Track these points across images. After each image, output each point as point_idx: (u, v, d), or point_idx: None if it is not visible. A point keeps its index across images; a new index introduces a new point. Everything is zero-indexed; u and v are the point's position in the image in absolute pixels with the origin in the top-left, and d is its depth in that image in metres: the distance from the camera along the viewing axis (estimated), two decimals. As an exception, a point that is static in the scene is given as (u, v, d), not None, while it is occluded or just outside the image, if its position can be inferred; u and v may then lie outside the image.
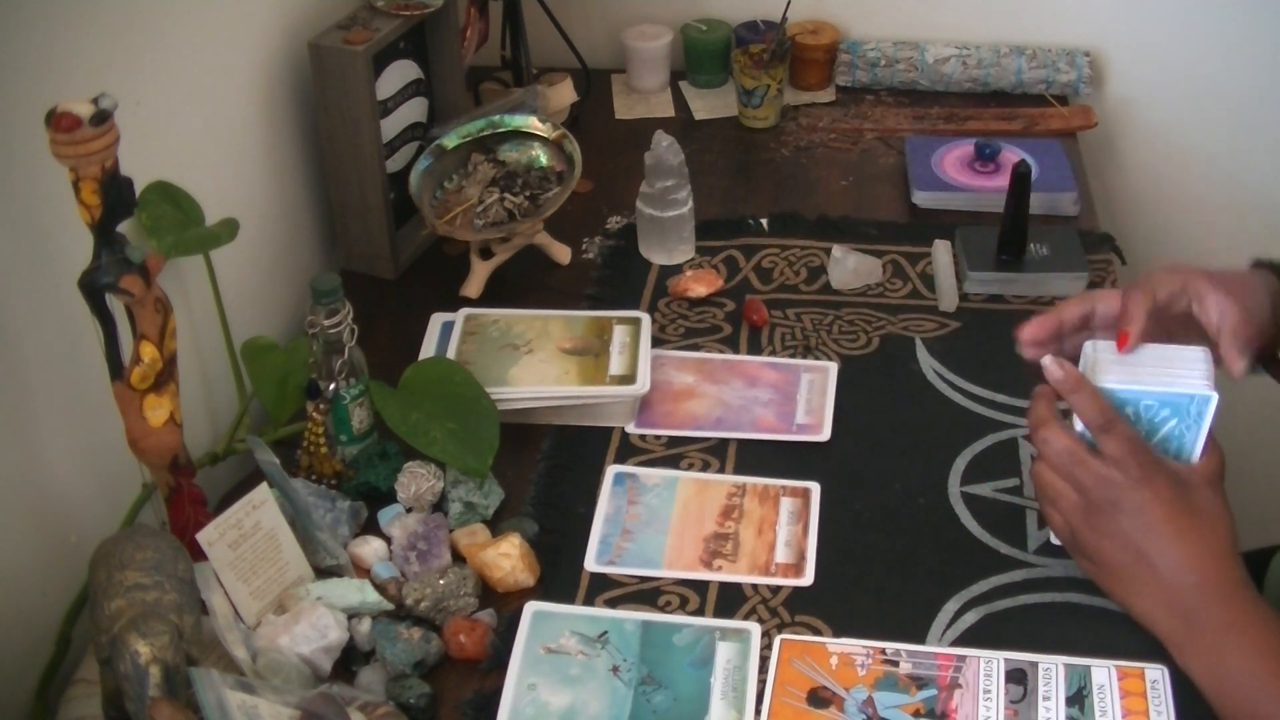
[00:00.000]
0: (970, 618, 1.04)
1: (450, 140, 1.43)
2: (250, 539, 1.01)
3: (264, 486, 1.03)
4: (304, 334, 1.16)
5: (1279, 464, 1.91)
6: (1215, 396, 0.97)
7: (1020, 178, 1.35)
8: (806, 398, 1.25)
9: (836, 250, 1.43)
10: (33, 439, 1.01)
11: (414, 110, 1.48)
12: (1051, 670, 0.98)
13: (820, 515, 1.13)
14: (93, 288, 0.92)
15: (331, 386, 1.14)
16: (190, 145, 1.21)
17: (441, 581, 1.05)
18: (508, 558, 1.07)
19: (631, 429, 1.23)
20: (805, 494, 1.15)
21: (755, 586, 1.08)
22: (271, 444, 1.13)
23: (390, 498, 1.15)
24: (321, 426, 1.14)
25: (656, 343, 1.32)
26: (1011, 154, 1.56)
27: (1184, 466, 0.99)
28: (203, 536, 0.98)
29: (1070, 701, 0.95)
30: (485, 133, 1.44)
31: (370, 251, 1.45)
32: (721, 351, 1.32)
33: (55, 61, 1.00)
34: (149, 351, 0.96)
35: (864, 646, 1.01)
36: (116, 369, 0.96)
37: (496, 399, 1.19)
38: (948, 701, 0.96)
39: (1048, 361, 1.00)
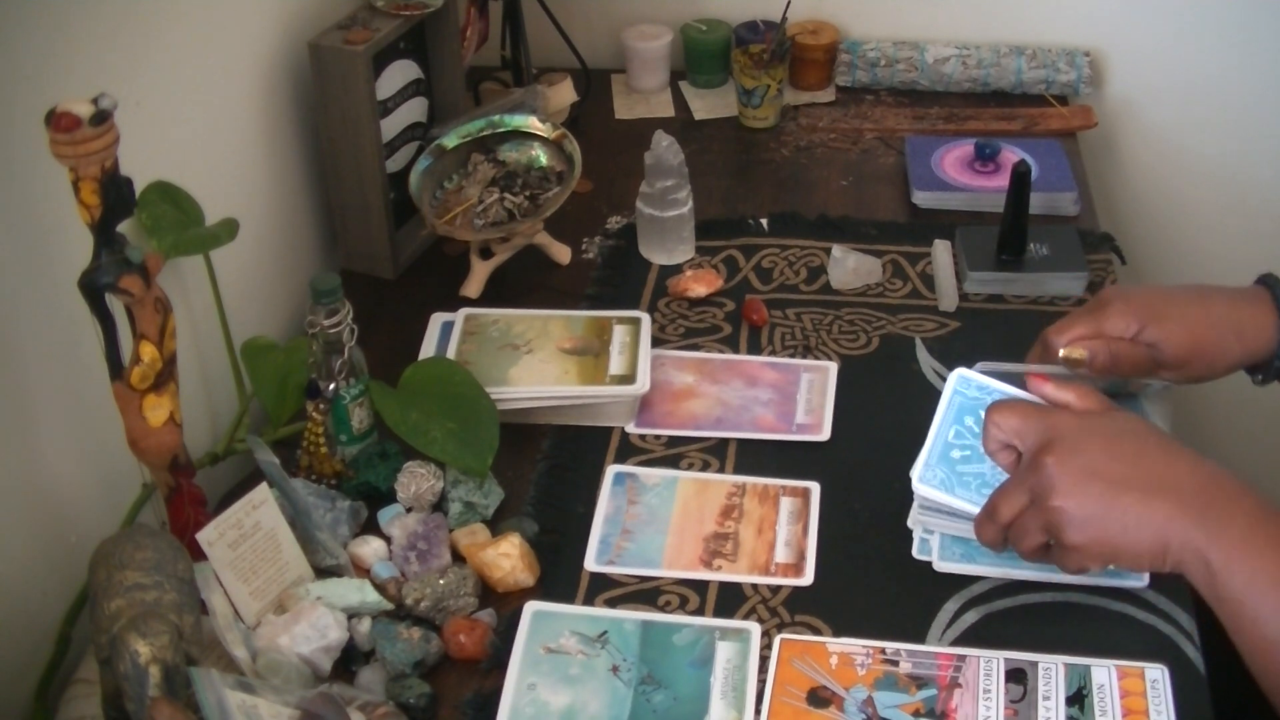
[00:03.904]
0: (970, 617, 1.04)
1: (450, 140, 1.43)
2: (250, 539, 1.01)
3: (264, 486, 1.03)
4: (304, 334, 1.16)
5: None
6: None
7: (1020, 178, 1.35)
8: (806, 398, 1.25)
9: (836, 250, 1.43)
10: (33, 439, 1.01)
11: (414, 110, 1.48)
12: (1051, 670, 0.98)
13: (820, 515, 1.13)
14: (93, 288, 0.92)
15: (331, 386, 1.14)
16: (190, 145, 1.21)
17: (441, 581, 1.05)
18: (508, 558, 1.07)
19: (631, 429, 1.23)
20: (805, 494, 1.15)
21: (755, 586, 1.08)
22: (271, 444, 1.13)
23: (390, 498, 1.15)
24: (321, 426, 1.14)
25: (656, 343, 1.32)
26: (1011, 154, 1.56)
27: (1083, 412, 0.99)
28: (203, 536, 0.98)
29: (1070, 701, 0.95)
30: (485, 133, 1.44)
31: (370, 251, 1.45)
32: (721, 351, 1.32)
33: (55, 61, 1.00)
34: (149, 351, 0.96)
35: (864, 646, 1.01)
36: (116, 369, 0.96)
37: (496, 399, 1.19)
38: (948, 701, 0.96)
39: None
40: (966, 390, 1.07)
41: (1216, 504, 0.91)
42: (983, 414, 1.03)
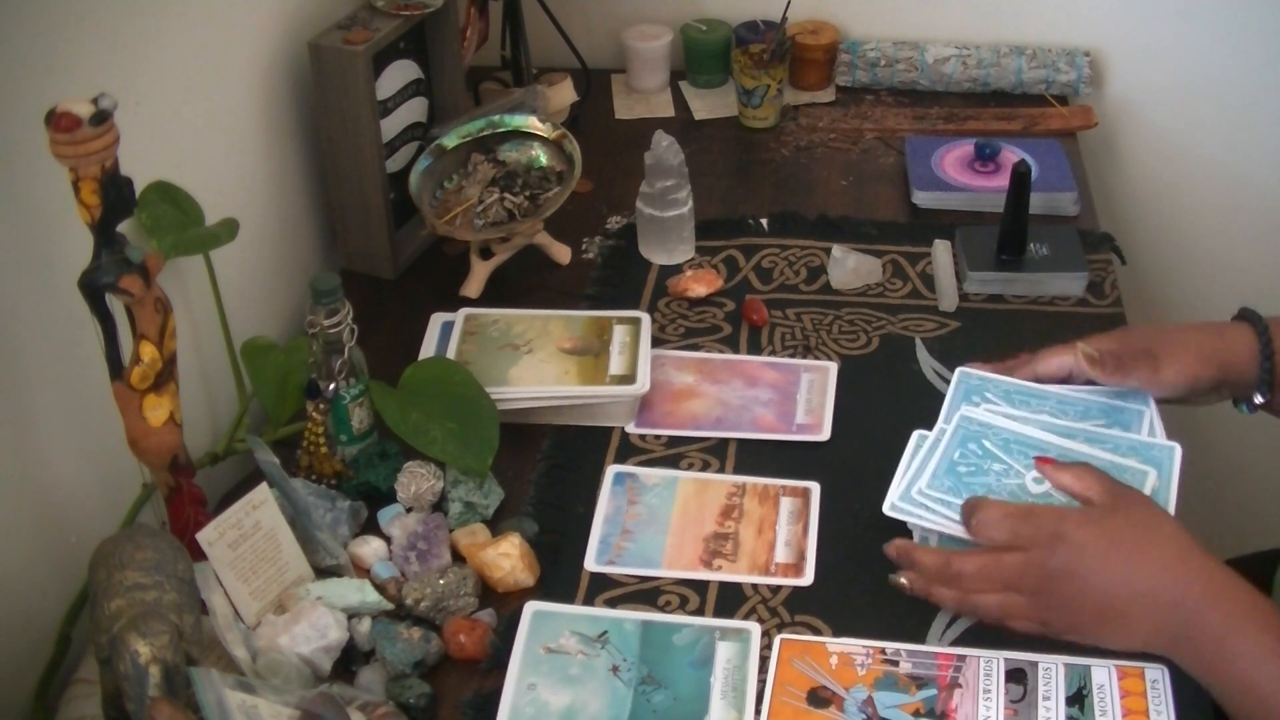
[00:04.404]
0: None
1: (450, 140, 1.43)
2: (250, 539, 1.01)
3: (264, 486, 1.03)
4: (304, 334, 1.16)
5: None
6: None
7: (1020, 178, 1.35)
8: (806, 398, 1.25)
9: (836, 250, 1.43)
10: (33, 439, 1.01)
11: (414, 110, 1.48)
12: (1051, 670, 0.98)
13: (820, 515, 1.13)
14: (93, 288, 0.92)
15: (331, 386, 1.14)
16: (190, 145, 1.21)
17: (441, 581, 1.05)
18: (508, 558, 1.07)
19: (631, 429, 1.23)
20: (805, 494, 1.15)
21: (755, 586, 1.08)
22: (271, 444, 1.13)
23: (390, 498, 1.15)
24: (321, 426, 1.14)
25: (656, 343, 1.32)
26: (1011, 154, 1.56)
27: (1088, 509, 0.99)
28: (203, 536, 0.98)
29: (1070, 701, 0.95)
30: (485, 133, 1.44)
31: (370, 251, 1.45)
32: (721, 351, 1.32)
33: (55, 61, 1.00)
34: (149, 351, 0.96)
35: (864, 646, 1.01)
36: (116, 369, 0.96)
37: (496, 399, 1.19)
38: (948, 701, 0.96)
39: (892, 551, 1.05)
40: (969, 425, 1.11)
41: (1194, 622, 0.93)
42: (986, 444, 1.08)
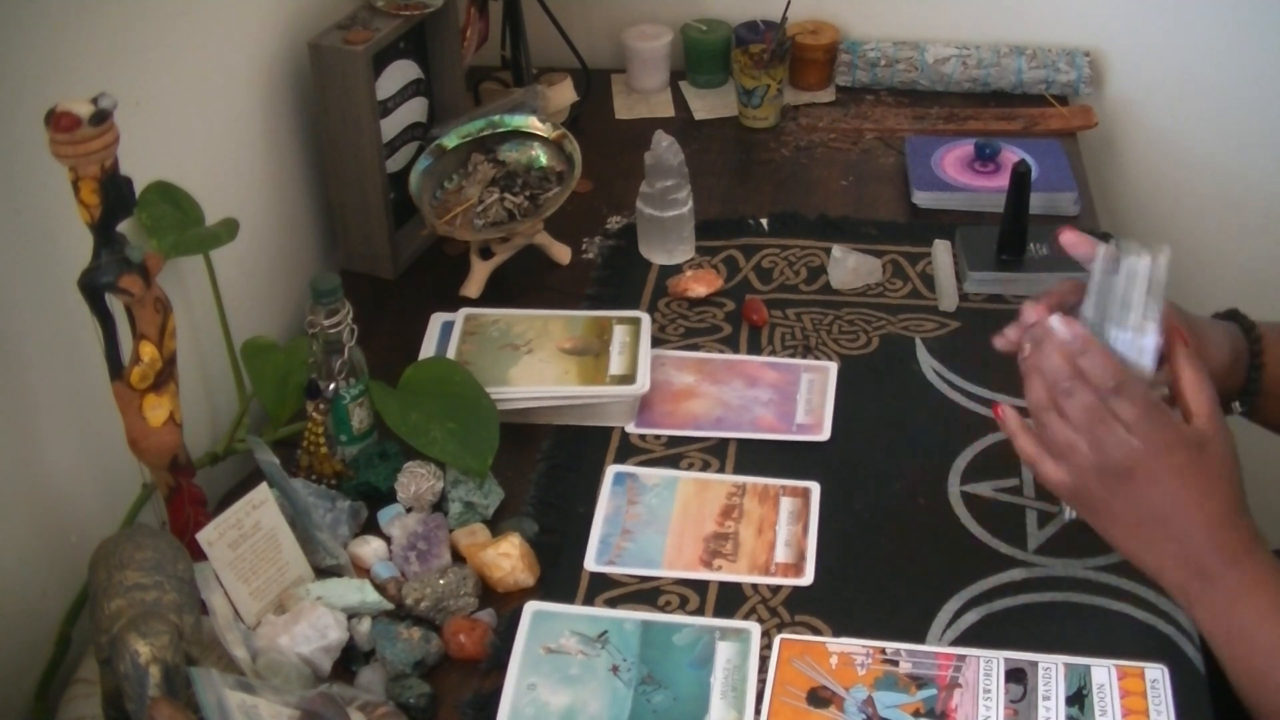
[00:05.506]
0: (970, 617, 1.04)
1: (450, 140, 1.43)
2: (250, 539, 1.01)
3: (264, 486, 1.03)
4: (304, 334, 1.16)
5: None
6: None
7: (1020, 178, 1.35)
8: (806, 398, 1.25)
9: (836, 250, 1.43)
10: (33, 439, 1.01)
11: (414, 110, 1.48)
12: (1051, 670, 0.98)
13: (820, 515, 1.13)
14: (92, 287, 0.92)
15: (331, 386, 1.14)
16: (190, 145, 1.21)
17: (441, 581, 1.05)
18: (508, 558, 1.07)
19: (631, 429, 1.23)
20: (805, 494, 1.15)
21: (755, 586, 1.08)
22: (271, 444, 1.13)
23: (390, 498, 1.15)
24: (321, 426, 1.14)
25: (656, 343, 1.32)
26: (1011, 154, 1.56)
27: (1196, 429, 0.95)
28: (203, 536, 0.98)
29: (1070, 701, 0.95)
30: (485, 133, 1.44)
31: (370, 251, 1.45)
32: (721, 351, 1.32)
33: (56, 61, 1.00)
34: (149, 351, 0.96)
35: (864, 646, 1.01)
36: (116, 369, 0.96)
37: (496, 399, 1.19)
38: (948, 701, 0.96)
39: (1055, 322, 0.96)
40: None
41: (1212, 575, 0.93)
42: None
